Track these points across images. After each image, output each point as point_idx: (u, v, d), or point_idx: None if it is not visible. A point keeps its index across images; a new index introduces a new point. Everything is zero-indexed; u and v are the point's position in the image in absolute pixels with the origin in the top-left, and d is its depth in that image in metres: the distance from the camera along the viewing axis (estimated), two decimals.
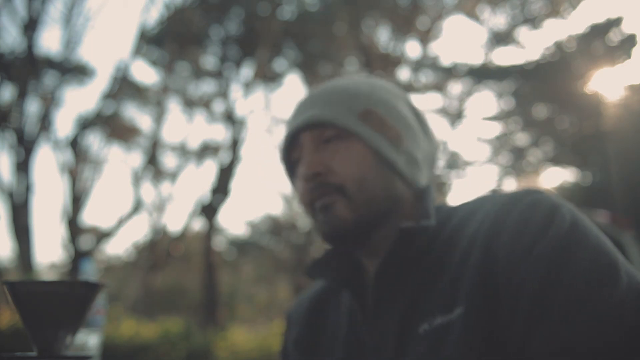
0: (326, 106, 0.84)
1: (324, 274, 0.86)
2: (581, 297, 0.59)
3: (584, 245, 0.62)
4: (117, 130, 13.25)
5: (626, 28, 11.21)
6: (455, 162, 14.83)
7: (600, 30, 11.29)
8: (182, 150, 14.27)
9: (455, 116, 14.02)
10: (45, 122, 11.20)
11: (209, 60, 14.27)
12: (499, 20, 12.85)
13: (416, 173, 0.84)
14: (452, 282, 0.70)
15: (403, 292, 0.76)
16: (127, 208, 15.43)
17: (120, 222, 12.04)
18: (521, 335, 0.61)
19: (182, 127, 27.00)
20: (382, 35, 13.24)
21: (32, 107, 11.30)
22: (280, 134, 0.96)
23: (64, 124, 40.56)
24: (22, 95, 11.08)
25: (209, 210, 12.62)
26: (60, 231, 14.40)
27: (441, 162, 14.05)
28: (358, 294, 0.82)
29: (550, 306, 0.60)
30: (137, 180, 13.14)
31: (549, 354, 0.59)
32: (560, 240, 0.63)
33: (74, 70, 12.38)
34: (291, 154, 0.87)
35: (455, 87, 13.79)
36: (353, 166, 0.81)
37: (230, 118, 13.23)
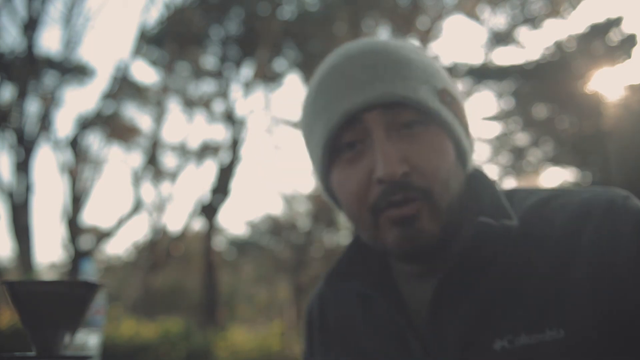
0: (406, 81, 0.67)
1: (352, 280, 0.74)
2: None
3: None
4: (117, 130, 13.25)
5: (626, 28, 11.22)
6: None
7: (600, 30, 11.29)
8: (182, 150, 14.27)
9: None
10: (45, 122, 11.20)
11: (209, 60, 14.28)
12: (499, 20, 12.86)
13: (472, 161, 0.73)
14: (542, 298, 0.61)
15: (472, 299, 0.64)
16: (127, 208, 15.44)
17: (120, 222, 12.05)
18: None
19: (182, 127, 27.03)
20: (382, 35, 13.25)
21: (32, 107, 11.32)
22: (314, 105, 0.68)
23: (64, 124, 40.60)
24: (22, 95, 11.08)
25: (209, 210, 12.62)
26: (60, 231, 14.42)
27: None
28: (394, 299, 0.71)
29: None
30: (137, 180, 13.15)
31: None
32: None
33: (74, 70, 12.38)
34: (340, 136, 0.69)
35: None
36: (441, 163, 0.67)
37: (230, 118, 13.23)
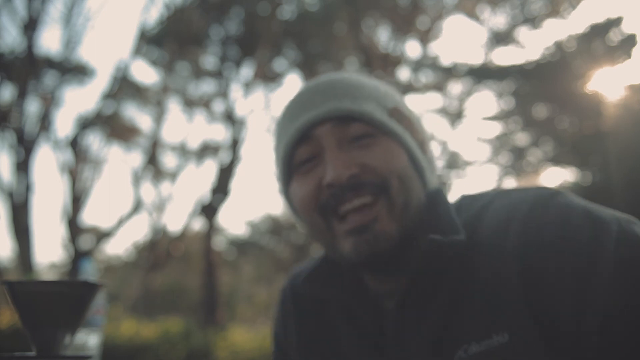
0: (354, 99, 0.72)
1: (323, 289, 0.76)
2: None
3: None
4: (117, 130, 13.24)
5: (626, 28, 11.22)
6: (455, 162, 14.83)
7: (600, 30, 11.29)
8: (182, 150, 14.26)
9: (455, 116, 14.02)
10: (45, 122, 11.20)
11: (209, 60, 14.27)
12: (499, 20, 12.86)
13: (434, 180, 0.76)
14: (486, 304, 0.63)
15: (432, 313, 0.67)
16: (127, 208, 15.43)
17: (120, 222, 12.04)
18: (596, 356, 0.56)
19: (182, 127, 27.02)
20: (382, 35, 13.25)
21: (32, 107, 11.32)
22: (277, 130, 0.81)
23: (64, 124, 40.66)
24: (22, 95, 11.08)
25: (209, 210, 12.61)
26: (60, 231, 14.42)
27: (441, 162, 14.06)
28: (365, 312, 0.73)
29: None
30: (137, 180, 13.14)
31: None
32: (618, 262, 0.57)
33: (74, 70, 12.37)
34: (297, 152, 0.73)
35: (455, 87, 13.80)
36: (394, 162, 0.69)
37: (230, 118, 13.23)
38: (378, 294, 0.75)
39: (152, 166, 13.74)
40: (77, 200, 11.39)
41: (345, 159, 0.69)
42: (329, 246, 0.73)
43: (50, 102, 11.32)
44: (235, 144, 12.98)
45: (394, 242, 0.67)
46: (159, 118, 13.43)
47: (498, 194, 0.70)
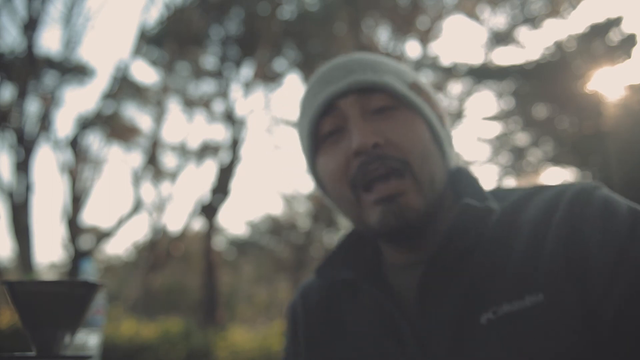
0: (376, 72, 0.74)
1: (340, 269, 0.77)
2: None
3: None
4: (117, 130, 13.25)
5: (626, 28, 11.21)
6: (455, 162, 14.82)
7: (600, 30, 11.29)
8: (182, 150, 14.26)
9: (455, 116, 14.02)
10: (45, 122, 11.20)
11: (209, 60, 14.27)
12: (499, 20, 12.86)
13: (452, 154, 0.78)
14: (520, 268, 0.63)
15: (457, 280, 0.66)
16: (127, 208, 15.44)
17: (120, 222, 12.05)
18: (612, 323, 0.58)
19: (182, 127, 27.02)
20: (382, 35, 13.25)
21: (32, 107, 11.31)
22: (301, 106, 0.78)
23: (64, 124, 40.65)
24: (22, 95, 11.08)
25: (209, 210, 12.62)
26: (60, 231, 14.42)
27: None
28: (383, 285, 0.73)
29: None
30: (137, 180, 13.14)
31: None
32: None
33: (74, 70, 12.37)
34: (322, 125, 0.75)
35: (455, 87, 13.81)
36: (415, 139, 0.71)
37: (230, 118, 13.23)
38: (395, 268, 0.75)
39: (152, 166, 13.75)
40: (77, 200, 11.39)
41: (369, 128, 0.70)
42: (356, 218, 0.74)
43: (50, 102, 11.32)
44: (235, 144, 12.98)
45: (420, 214, 0.68)
46: (159, 118, 13.44)
47: (544, 187, 0.71)
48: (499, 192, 0.74)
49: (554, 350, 0.58)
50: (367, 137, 0.69)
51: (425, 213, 0.69)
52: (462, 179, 0.75)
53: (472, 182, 0.73)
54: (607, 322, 0.58)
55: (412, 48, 31.75)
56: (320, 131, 0.75)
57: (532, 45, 16.82)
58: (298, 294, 0.87)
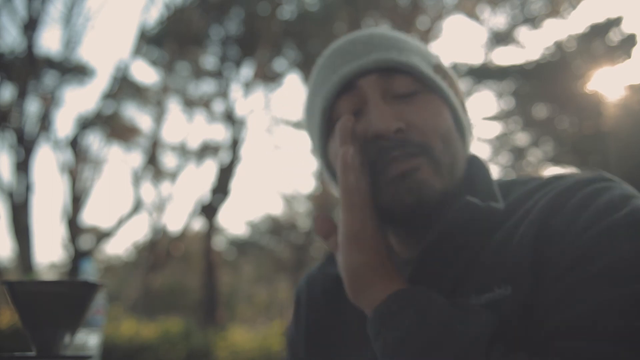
0: (401, 51, 0.68)
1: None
2: (613, 284, 0.53)
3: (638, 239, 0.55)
4: (117, 130, 13.24)
5: (626, 28, 11.22)
6: None
7: (600, 30, 11.29)
8: (182, 150, 14.26)
9: None
10: (45, 122, 11.20)
11: (209, 60, 14.27)
12: (499, 20, 12.86)
13: (472, 142, 0.74)
14: (495, 260, 0.61)
15: (447, 272, 0.65)
16: (127, 208, 15.44)
17: (120, 222, 12.05)
18: (545, 306, 0.56)
19: (182, 127, 27.02)
20: None
21: (32, 107, 11.32)
22: (314, 81, 0.74)
23: (64, 124, 40.66)
24: (22, 95, 11.08)
25: (209, 210, 12.61)
26: (60, 231, 14.42)
27: None
28: None
29: (579, 284, 0.54)
30: (137, 180, 13.15)
31: (564, 329, 0.54)
32: (618, 227, 0.56)
33: (74, 70, 12.37)
34: (338, 104, 0.69)
35: None
36: (440, 124, 0.66)
37: (230, 118, 13.23)
38: (400, 263, 0.72)
39: (152, 166, 13.75)
40: (77, 200, 11.39)
41: (391, 111, 0.65)
42: (384, 202, 0.69)
43: (50, 102, 11.32)
44: (235, 144, 12.99)
45: (436, 192, 0.64)
46: (159, 118, 13.44)
47: (549, 179, 0.67)
48: (516, 182, 0.70)
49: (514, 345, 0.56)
50: (389, 121, 0.64)
51: (441, 192, 0.65)
52: (474, 169, 0.71)
53: (483, 174, 0.69)
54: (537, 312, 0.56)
55: None
56: (336, 111, 0.69)
57: (532, 45, 16.84)
58: (304, 281, 0.86)
